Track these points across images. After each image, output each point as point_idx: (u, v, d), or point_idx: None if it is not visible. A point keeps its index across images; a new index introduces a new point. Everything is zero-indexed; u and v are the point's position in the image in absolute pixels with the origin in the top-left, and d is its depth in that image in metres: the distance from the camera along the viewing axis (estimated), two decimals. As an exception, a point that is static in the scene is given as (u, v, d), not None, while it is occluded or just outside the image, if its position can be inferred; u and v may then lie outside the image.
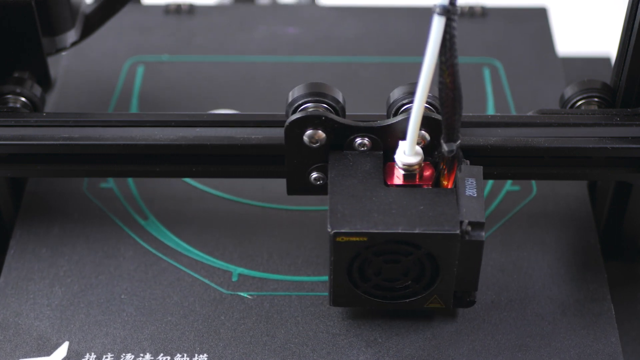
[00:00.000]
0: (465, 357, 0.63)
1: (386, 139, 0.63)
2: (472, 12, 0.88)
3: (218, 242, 0.70)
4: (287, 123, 0.62)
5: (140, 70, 0.83)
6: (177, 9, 0.89)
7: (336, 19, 0.88)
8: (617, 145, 0.64)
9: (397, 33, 0.86)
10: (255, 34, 0.87)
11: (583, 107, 0.68)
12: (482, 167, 0.61)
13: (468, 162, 0.61)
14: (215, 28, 0.87)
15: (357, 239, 0.59)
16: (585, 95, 0.68)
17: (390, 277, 0.62)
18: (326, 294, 0.66)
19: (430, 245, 0.59)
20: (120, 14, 0.87)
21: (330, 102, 0.63)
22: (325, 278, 0.67)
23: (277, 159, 0.65)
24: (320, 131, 0.62)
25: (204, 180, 0.74)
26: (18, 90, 0.68)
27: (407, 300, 0.63)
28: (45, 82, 0.71)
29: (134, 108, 0.79)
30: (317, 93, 0.63)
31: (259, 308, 0.66)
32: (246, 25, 0.87)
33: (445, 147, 0.59)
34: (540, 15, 0.88)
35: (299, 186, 0.65)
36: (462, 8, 0.87)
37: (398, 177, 0.61)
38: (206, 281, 0.67)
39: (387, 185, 0.61)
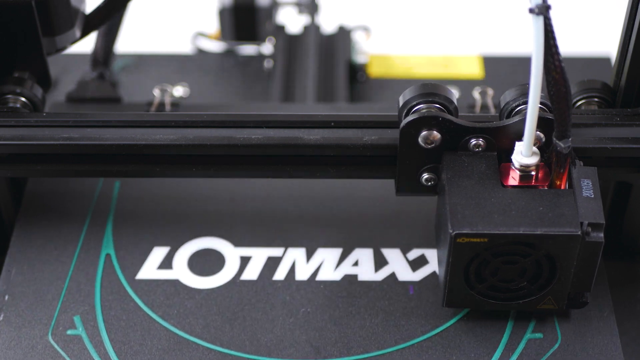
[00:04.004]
0: None
1: (501, 140, 0.62)
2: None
3: None
4: (402, 124, 0.61)
5: (117, 185, 0.73)
6: None
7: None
8: (617, 145, 0.64)
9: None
10: None
11: (583, 107, 0.68)
12: (596, 167, 0.61)
13: (582, 162, 0.61)
14: None
15: (478, 240, 0.58)
16: (585, 96, 0.68)
17: (506, 278, 0.61)
18: None
19: (550, 246, 0.59)
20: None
21: (443, 102, 0.62)
22: None
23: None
24: (435, 132, 0.61)
25: (186, 328, 0.64)
26: (18, 90, 0.68)
27: (521, 301, 0.62)
28: (45, 82, 0.71)
29: (109, 224, 0.70)
30: (429, 94, 0.62)
31: None
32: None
33: (561, 144, 0.58)
34: None
35: (408, 187, 0.64)
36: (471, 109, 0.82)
37: (514, 178, 0.61)
38: None
39: (504, 186, 0.61)
